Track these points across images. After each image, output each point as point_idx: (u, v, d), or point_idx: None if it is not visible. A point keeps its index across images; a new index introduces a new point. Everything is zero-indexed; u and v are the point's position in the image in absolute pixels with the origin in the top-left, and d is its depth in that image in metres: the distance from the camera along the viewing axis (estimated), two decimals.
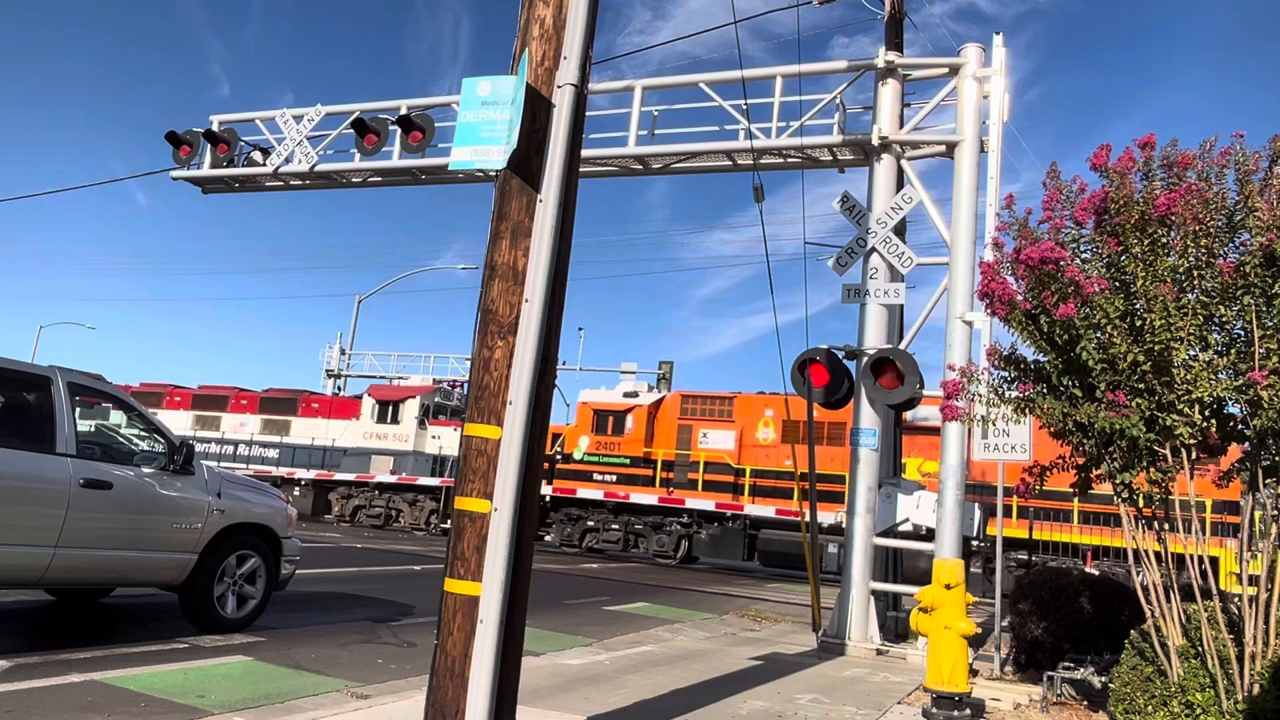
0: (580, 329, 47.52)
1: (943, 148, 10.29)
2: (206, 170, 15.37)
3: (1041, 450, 7.45)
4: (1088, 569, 15.45)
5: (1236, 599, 5.31)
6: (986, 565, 17.88)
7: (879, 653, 9.47)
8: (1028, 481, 5.77)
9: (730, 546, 21.75)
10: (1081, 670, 7.14)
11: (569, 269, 4.06)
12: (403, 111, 13.84)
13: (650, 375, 33.68)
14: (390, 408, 27.87)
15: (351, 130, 14.20)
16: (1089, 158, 5.48)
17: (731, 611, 13.16)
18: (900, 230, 10.44)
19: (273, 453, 28.68)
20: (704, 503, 21.89)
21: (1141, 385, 5.07)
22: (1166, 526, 5.40)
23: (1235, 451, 5.37)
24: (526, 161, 3.92)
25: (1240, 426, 5.12)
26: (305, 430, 28.70)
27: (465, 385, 30.96)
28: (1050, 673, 7.27)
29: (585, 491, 23.23)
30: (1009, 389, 5.75)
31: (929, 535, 9.91)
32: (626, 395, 24.27)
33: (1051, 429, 5.57)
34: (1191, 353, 5.08)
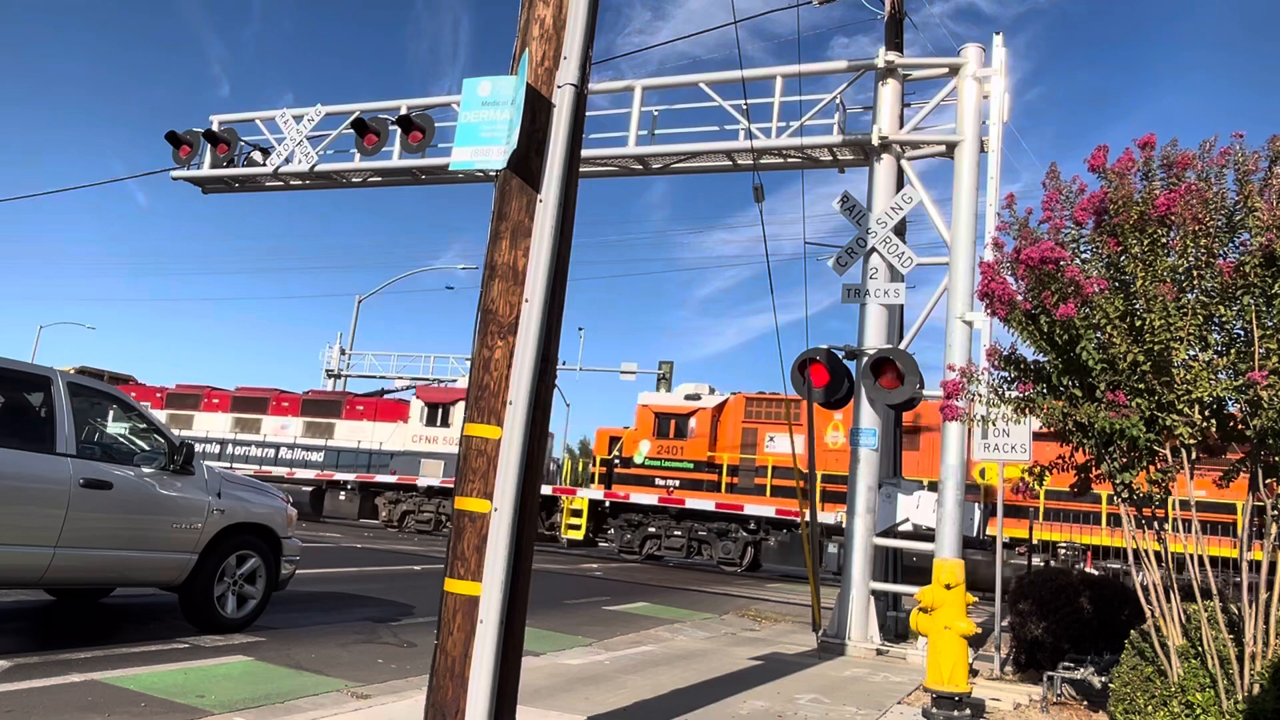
0: (580, 329, 47.60)
1: (943, 148, 10.29)
2: (206, 170, 15.37)
3: (1041, 450, 7.46)
4: (1088, 569, 15.45)
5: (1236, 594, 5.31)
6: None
7: (879, 653, 9.47)
8: (1027, 481, 5.77)
9: (800, 554, 21.44)
10: (1081, 670, 7.14)
11: (569, 269, 4.06)
12: (403, 111, 13.84)
13: (650, 375, 33.72)
14: (440, 410, 27.10)
15: (351, 130, 14.21)
16: (1087, 159, 5.48)
17: (731, 611, 13.16)
18: (900, 230, 10.44)
19: (316, 456, 28.21)
20: (769, 509, 21.22)
21: (1141, 385, 5.07)
22: (1168, 527, 5.41)
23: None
24: (526, 161, 3.92)
25: (1240, 426, 5.12)
26: (350, 433, 28.22)
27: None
28: (1050, 673, 7.27)
29: (640, 497, 22.70)
30: (1009, 389, 5.75)
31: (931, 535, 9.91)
32: (688, 398, 23.71)
33: (1051, 429, 5.57)
34: (1191, 353, 5.08)
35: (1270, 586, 4.82)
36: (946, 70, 10.37)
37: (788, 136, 11.23)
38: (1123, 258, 5.30)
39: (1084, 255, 5.51)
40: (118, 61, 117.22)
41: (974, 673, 7.71)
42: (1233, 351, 5.06)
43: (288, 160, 14.82)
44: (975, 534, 16.48)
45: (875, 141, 10.41)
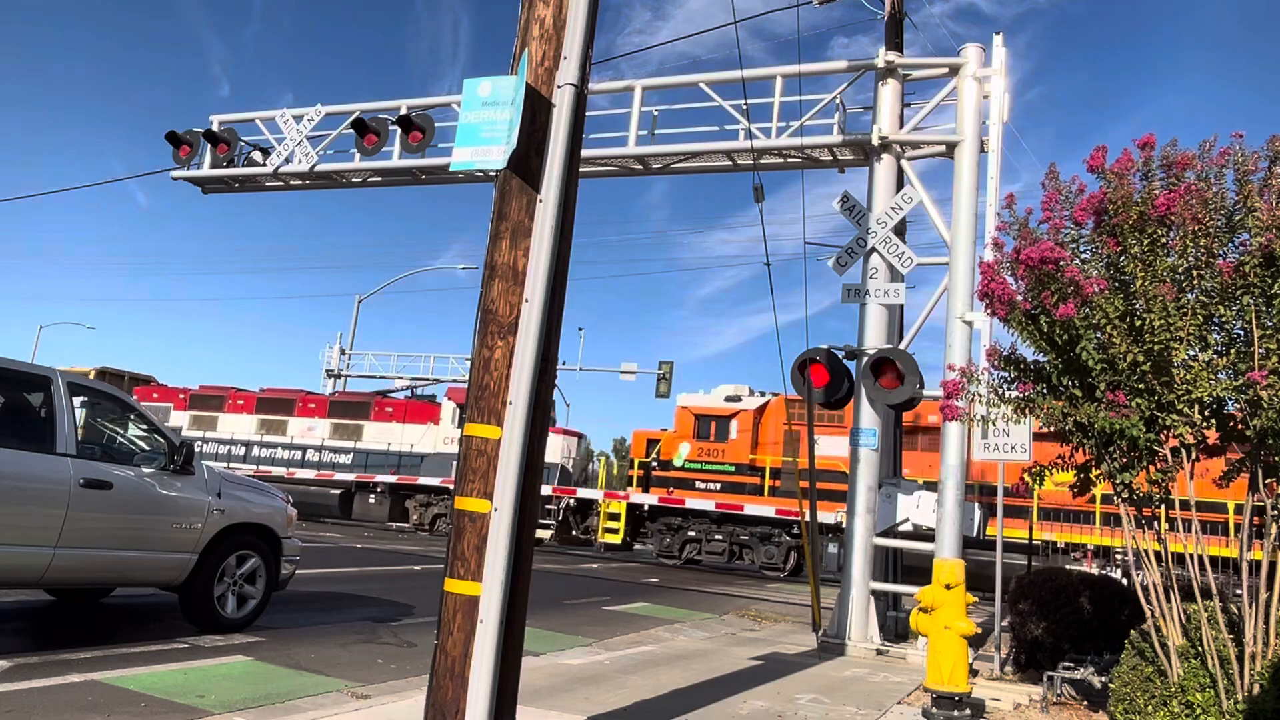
0: (580, 329, 47.50)
1: (943, 148, 10.30)
2: (206, 170, 15.36)
3: (1040, 450, 7.45)
4: (1088, 568, 15.44)
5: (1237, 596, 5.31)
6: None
7: (879, 653, 9.47)
8: (1026, 481, 5.77)
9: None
10: (1081, 670, 7.14)
11: (569, 269, 4.07)
12: (403, 111, 13.84)
13: (650, 375, 33.67)
14: None
15: (351, 130, 14.21)
16: (1086, 159, 5.48)
17: (731, 611, 13.17)
18: (900, 230, 10.44)
19: (345, 458, 27.82)
20: (829, 515, 20.48)
21: (1141, 385, 5.07)
22: (1167, 526, 5.41)
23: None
24: (526, 161, 3.92)
25: (1240, 426, 5.12)
26: (379, 435, 27.84)
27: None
28: (1050, 673, 7.27)
29: (696, 502, 22.21)
30: (1009, 389, 5.75)
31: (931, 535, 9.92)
32: (728, 399, 23.29)
33: (1051, 429, 5.57)
34: (1191, 353, 5.08)
35: (1270, 586, 4.82)
36: (946, 70, 10.37)
37: (788, 136, 11.23)
38: (1122, 258, 5.30)
39: (1084, 255, 5.51)
40: (118, 61, 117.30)
41: (974, 673, 7.71)
42: (1232, 351, 5.06)
43: (288, 160, 14.81)
44: (975, 534, 16.47)
45: (875, 141, 10.41)
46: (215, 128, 15.38)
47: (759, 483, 21.86)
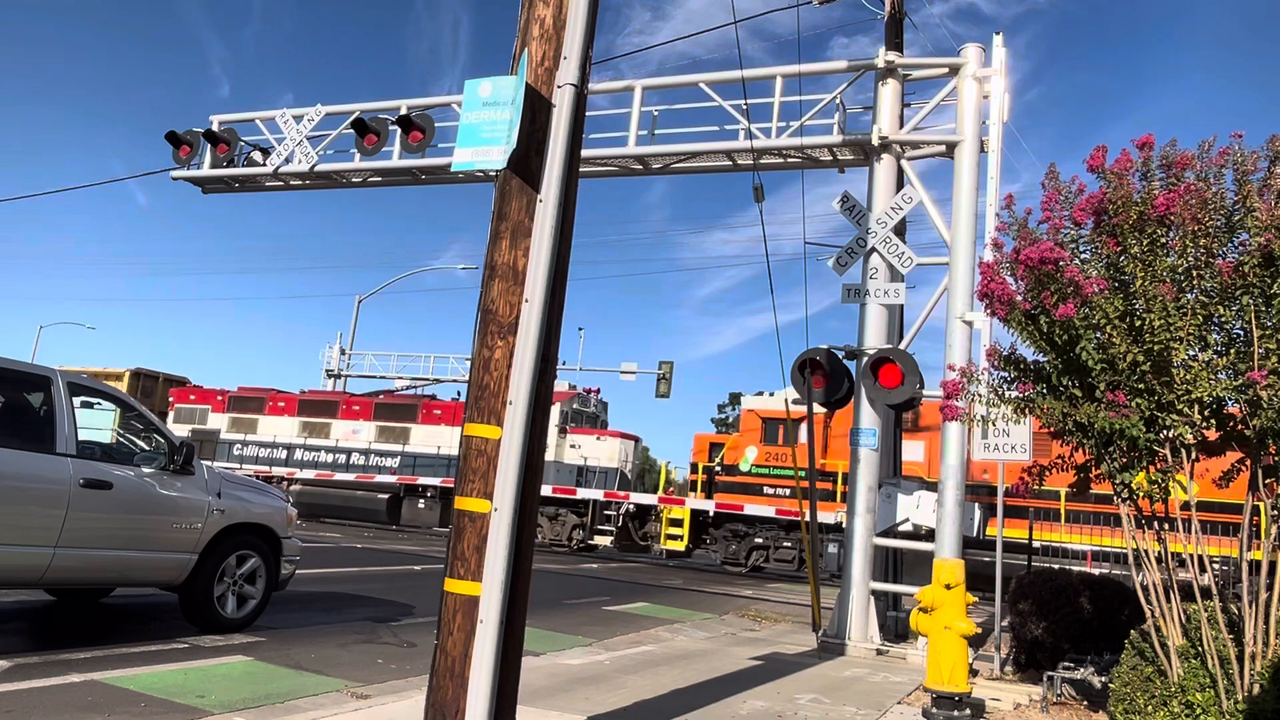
0: (580, 329, 47.46)
1: (943, 148, 10.30)
2: (206, 170, 15.37)
3: (1040, 450, 7.45)
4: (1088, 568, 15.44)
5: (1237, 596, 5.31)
6: None
7: (879, 653, 9.47)
8: (1026, 481, 5.77)
9: (925, 566, 19.78)
10: (1081, 670, 7.14)
11: (569, 269, 4.07)
12: (403, 111, 13.84)
13: (650, 375, 33.67)
14: None
15: (351, 130, 14.21)
16: (1086, 159, 5.48)
17: (731, 611, 13.17)
18: (900, 230, 10.44)
19: (392, 461, 27.13)
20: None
21: (1141, 385, 5.07)
22: (1167, 526, 5.41)
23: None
24: (526, 161, 3.92)
25: (1240, 426, 5.12)
26: (427, 438, 27.05)
27: (600, 393, 28.81)
28: (1050, 673, 7.27)
29: (753, 507, 21.42)
30: (1009, 389, 5.75)
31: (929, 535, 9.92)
32: (796, 402, 22.99)
33: (1051, 429, 5.57)
34: (1191, 353, 5.08)
35: (1270, 586, 4.82)
36: (946, 70, 10.37)
37: (788, 136, 11.23)
38: (1122, 258, 5.30)
39: (1083, 255, 5.51)
40: (118, 61, 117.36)
41: (974, 673, 7.71)
42: (1232, 351, 5.06)
43: (288, 160, 14.82)
44: (975, 534, 16.44)
45: (875, 141, 10.41)
46: (215, 128, 15.38)
47: (830, 488, 20.55)
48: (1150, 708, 5.19)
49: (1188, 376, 4.97)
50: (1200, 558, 5.01)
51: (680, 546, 22.37)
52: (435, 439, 26.77)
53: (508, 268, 3.89)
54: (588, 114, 4.54)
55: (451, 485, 24.80)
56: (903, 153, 10.53)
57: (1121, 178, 5.24)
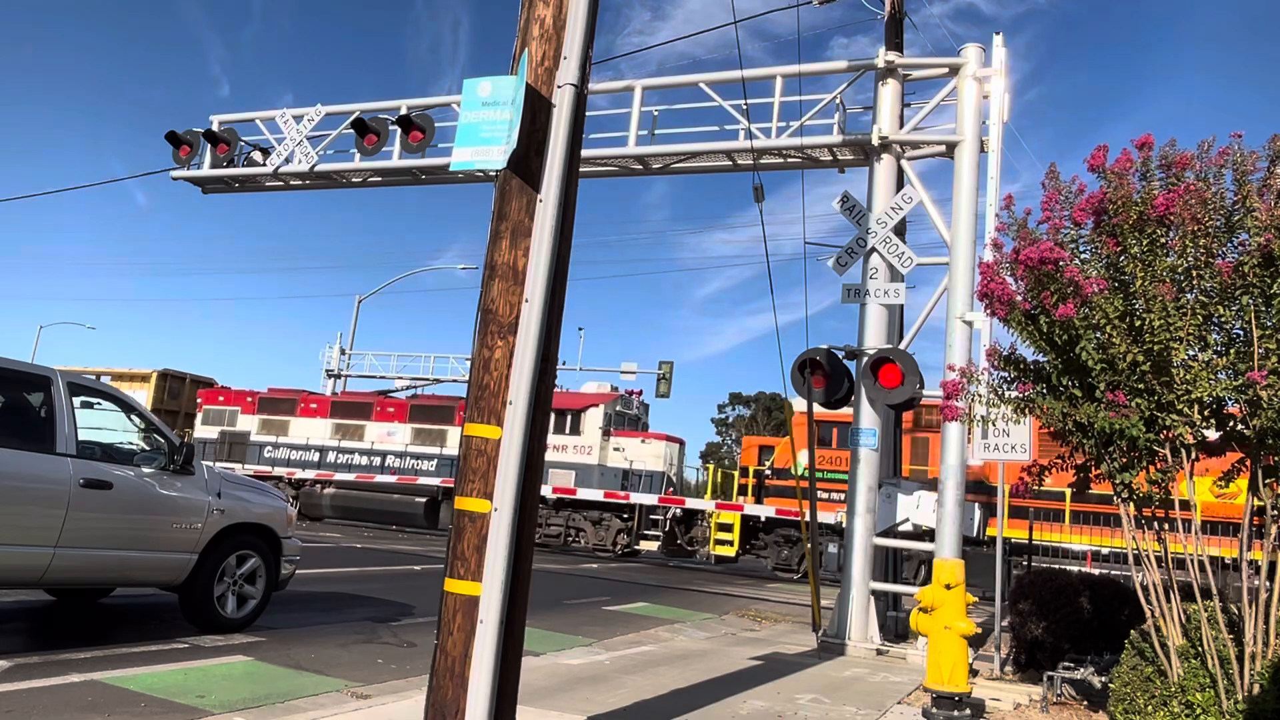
0: (580, 329, 47.40)
1: (943, 148, 10.30)
2: (206, 170, 15.37)
3: (1046, 450, 7.45)
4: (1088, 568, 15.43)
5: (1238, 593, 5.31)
6: None
7: (879, 653, 9.47)
8: (1026, 481, 5.77)
9: (985, 574, 18.85)
10: (1081, 670, 7.14)
11: (569, 269, 4.07)
12: (403, 111, 13.84)
13: (650, 375, 33.62)
14: (569, 417, 24.81)
15: (351, 130, 14.21)
16: (1086, 159, 5.48)
17: (731, 611, 13.17)
18: (900, 230, 10.44)
19: (428, 464, 26.38)
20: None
21: (1141, 385, 5.07)
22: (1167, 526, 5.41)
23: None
24: (526, 161, 3.92)
25: (1240, 426, 5.12)
26: None
27: (643, 395, 28.14)
28: (1050, 673, 7.27)
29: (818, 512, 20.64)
30: (1009, 389, 5.75)
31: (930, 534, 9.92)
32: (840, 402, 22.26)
33: (1051, 429, 5.57)
34: (1191, 353, 5.08)
35: (1270, 586, 4.82)
36: (946, 70, 10.37)
37: (788, 136, 11.23)
38: (1122, 258, 5.30)
39: (1083, 255, 5.51)
40: (118, 61, 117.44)
41: (974, 673, 7.71)
42: (1232, 351, 5.06)
43: (288, 160, 14.81)
44: (975, 534, 16.39)
45: (875, 141, 10.41)
46: (215, 128, 15.37)
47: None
48: (1150, 708, 5.19)
49: (1188, 376, 4.97)
50: (1200, 558, 5.01)
51: (730, 552, 21.90)
52: None
53: (508, 268, 3.89)
54: (588, 114, 4.54)
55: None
56: (903, 153, 10.53)
57: (1122, 177, 5.24)
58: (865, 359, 9.98)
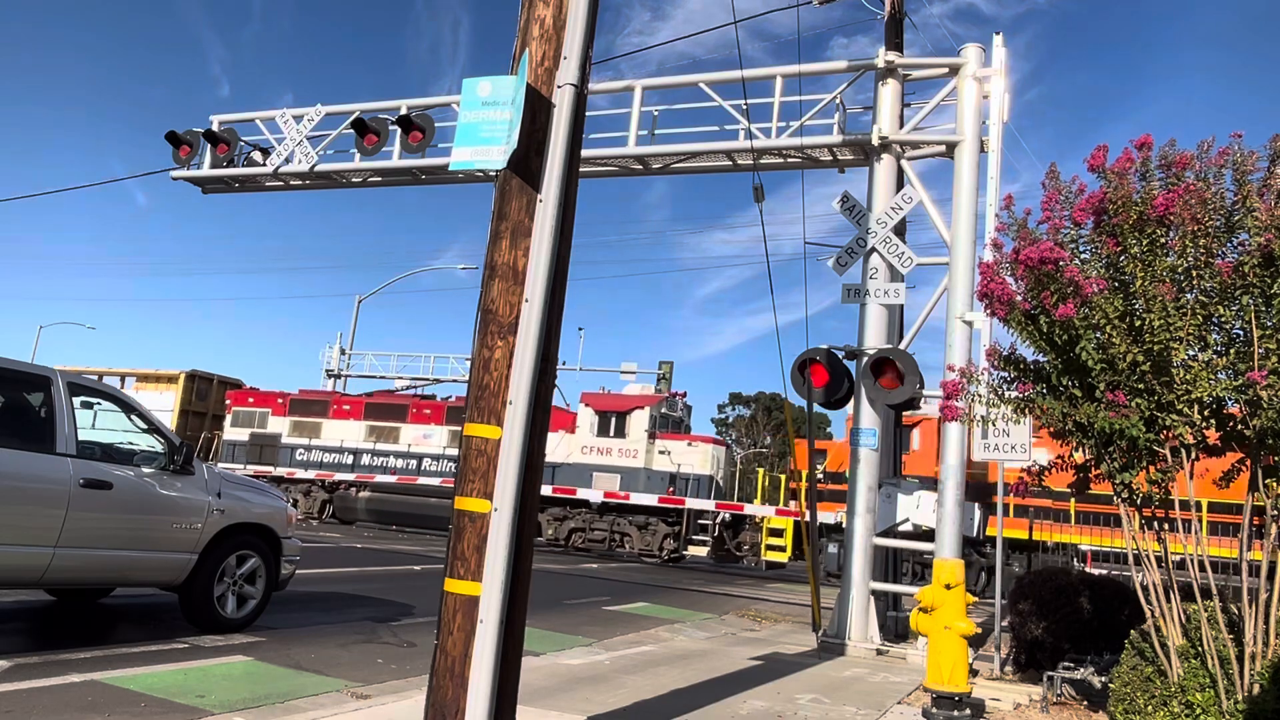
0: (580, 329, 47.38)
1: (943, 148, 10.30)
2: (206, 170, 15.37)
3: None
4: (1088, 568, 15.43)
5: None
6: None
7: (879, 653, 9.47)
8: (1026, 480, 5.78)
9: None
10: (1081, 670, 7.14)
11: (569, 269, 4.07)
12: (403, 111, 13.84)
13: (650, 375, 33.60)
14: (614, 419, 24.54)
15: (351, 130, 14.21)
16: (1087, 159, 5.49)
17: (731, 611, 13.16)
18: (900, 230, 10.44)
19: None
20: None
21: (1141, 385, 5.07)
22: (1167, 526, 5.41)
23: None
24: (526, 161, 3.92)
25: (1240, 426, 5.12)
26: None
27: (686, 397, 27.75)
28: (1050, 673, 7.27)
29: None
30: (1009, 389, 5.75)
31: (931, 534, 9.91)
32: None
33: (1051, 429, 5.57)
34: (1191, 353, 5.08)
35: (1270, 586, 4.82)
36: (946, 70, 10.37)
37: (788, 136, 11.23)
38: (1122, 258, 5.30)
39: (1083, 255, 5.51)
40: (118, 61, 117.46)
41: (974, 673, 7.71)
42: (1232, 351, 5.06)
43: (288, 160, 14.82)
44: (975, 534, 16.38)
45: (875, 141, 10.41)
46: (215, 128, 15.38)
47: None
48: (1150, 708, 5.19)
49: (1188, 376, 4.97)
50: (1200, 558, 5.01)
51: (783, 558, 21.70)
52: None
53: (508, 268, 3.89)
54: (588, 114, 4.54)
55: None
56: (903, 153, 10.53)
57: (1122, 177, 5.24)
58: (865, 359, 9.98)
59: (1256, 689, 4.75)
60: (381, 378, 35.95)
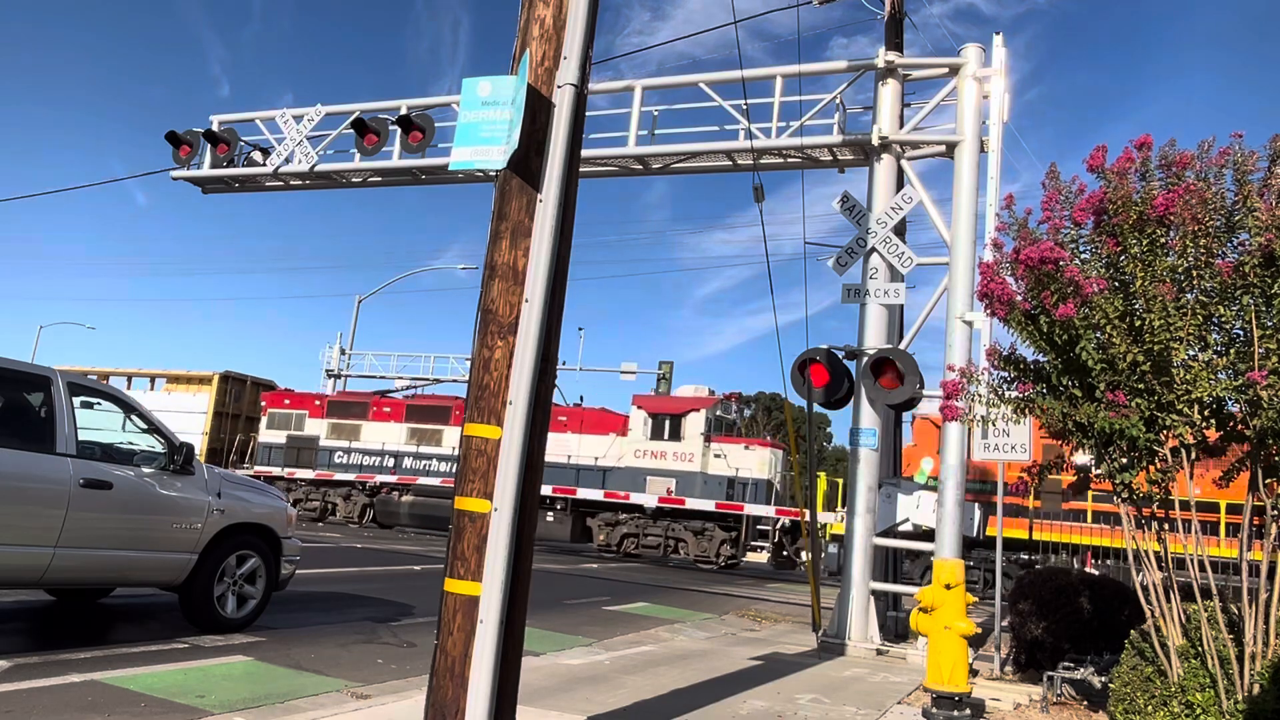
0: (580, 329, 47.28)
1: (943, 148, 10.30)
2: (206, 170, 15.37)
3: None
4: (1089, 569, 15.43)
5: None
6: None
7: (879, 653, 9.47)
8: (1026, 480, 5.77)
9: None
10: (1081, 670, 7.14)
11: (569, 269, 4.06)
12: (403, 111, 13.84)
13: (650, 375, 33.60)
14: (668, 422, 23.92)
15: (351, 130, 14.22)
16: (1086, 159, 5.48)
17: (731, 611, 13.16)
18: (900, 230, 10.44)
19: None
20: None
21: (1141, 385, 5.07)
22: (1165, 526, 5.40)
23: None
24: (526, 161, 3.92)
25: (1240, 426, 5.12)
26: (554, 447, 22.67)
27: (740, 399, 26.94)
28: (1050, 673, 7.27)
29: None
30: (1009, 389, 5.75)
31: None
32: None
33: (1051, 429, 5.57)
34: (1191, 353, 5.08)
35: (1270, 586, 4.82)
36: (946, 70, 10.37)
37: (788, 136, 11.23)
38: (1122, 258, 5.30)
39: (1083, 255, 5.51)
40: (118, 61, 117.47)
41: (974, 673, 7.71)
42: (1232, 351, 5.06)
43: (288, 160, 14.82)
44: (975, 534, 16.41)
45: (875, 141, 10.41)
46: (215, 128, 15.38)
47: (1024, 504, 18.98)
48: (1150, 708, 5.19)
49: (1188, 376, 4.97)
50: (1200, 558, 5.01)
51: None
52: (564, 447, 24.28)
53: (508, 268, 3.89)
54: (588, 114, 4.53)
55: (582, 497, 22.29)
56: (903, 153, 10.54)
57: (1122, 177, 5.24)
58: (865, 359, 9.98)
59: (1256, 689, 4.75)
60: (381, 378, 35.93)
